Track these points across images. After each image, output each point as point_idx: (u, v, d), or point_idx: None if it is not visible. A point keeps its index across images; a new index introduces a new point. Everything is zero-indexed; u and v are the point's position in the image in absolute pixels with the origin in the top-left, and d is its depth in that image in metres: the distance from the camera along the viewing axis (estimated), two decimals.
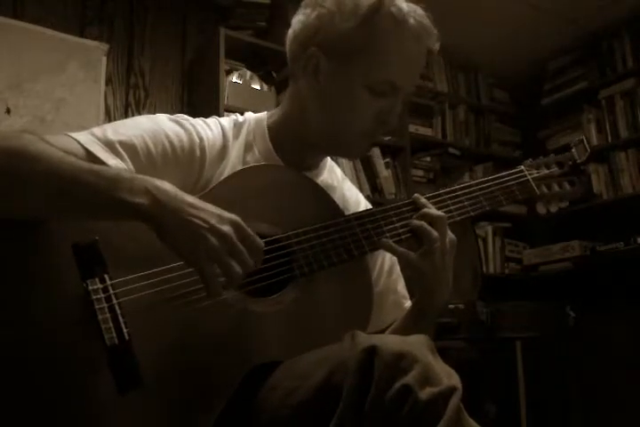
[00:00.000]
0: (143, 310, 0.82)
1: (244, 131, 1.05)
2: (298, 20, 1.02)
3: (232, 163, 1.00)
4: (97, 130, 0.91)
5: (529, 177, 1.14)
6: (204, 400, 0.82)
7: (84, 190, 0.77)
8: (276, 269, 0.92)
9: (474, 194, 1.08)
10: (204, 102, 2.73)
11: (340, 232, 0.98)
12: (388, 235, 0.99)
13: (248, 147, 1.04)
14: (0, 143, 0.79)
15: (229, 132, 1.04)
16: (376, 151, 3.00)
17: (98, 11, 2.69)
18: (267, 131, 1.06)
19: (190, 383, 0.83)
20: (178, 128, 0.97)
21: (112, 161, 0.87)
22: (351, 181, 1.24)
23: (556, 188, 1.17)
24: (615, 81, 3.26)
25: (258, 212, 0.94)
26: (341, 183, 1.16)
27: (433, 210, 1.01)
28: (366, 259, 1.02)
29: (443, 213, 1.00)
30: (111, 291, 0.80)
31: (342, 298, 0.98)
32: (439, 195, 1.06)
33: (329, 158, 1.15)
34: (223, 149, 1.01)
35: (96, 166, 0.80)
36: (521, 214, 3.41)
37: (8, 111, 2.37)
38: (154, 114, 1.02)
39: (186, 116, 1.01)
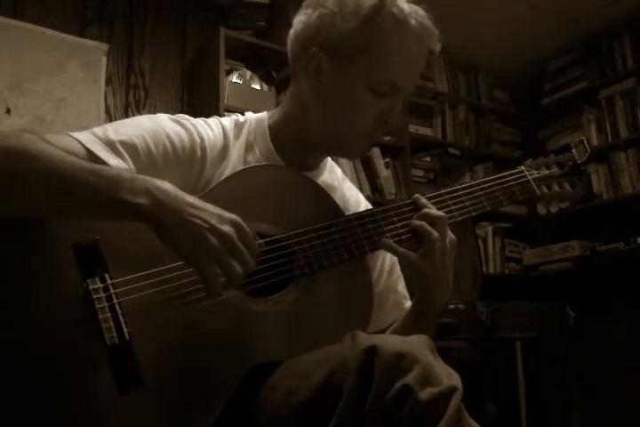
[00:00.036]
0: (143, 309, 0.82)
1: (244, 131, 1.05)
2: (299, 20, 1.02)
3: (233, 163, 1.00)
4: (98, 130, 0.91)
5: (529, 177, 1.14)
6: (204, 400, 0.82)
7: (85, 190, 0.77)
8: (277, 269, 0.92)
9: (474, 194, 1.08)
10: (204, 102, 2.72)
11: (341, 232, 0.98)
12: (388, 235, 1.00)
13: (249, 147, 1.04)
14: (0, 143, 0.79)
15: (230, 132, 1.04)
16: (376, 151, 3.00)
17: (98, 11, 2.69)
18: (267, 131, 1.06)
19: (190, 383, 0.83)
20: (179, 128, 0.97)
21: (113, 161, 0.87)
22: (351, 181, 1.24)
23: (556, 188, 1.17)
24: (615, 81, 3.26)
25: (258, 212, 0.94)
26: (342, 183, 1.16)
27: (433, 210, 1.01)
28: (367, 259, 1.02)
29: (443, 214, 1.01)
30: (112, 290, 0.80)
31: (343, 298, 0.98)
32: (440, 195, 1.06)
33: (329, 159, 1.15)
34: (224, 149, 1.01)
35: (97, 166, 0.80)
36: (521, 215, 3.41)
37: (8, 111, 2.37)
38: (154, 114, 1.02)
39: (187, 116, 1.01)
